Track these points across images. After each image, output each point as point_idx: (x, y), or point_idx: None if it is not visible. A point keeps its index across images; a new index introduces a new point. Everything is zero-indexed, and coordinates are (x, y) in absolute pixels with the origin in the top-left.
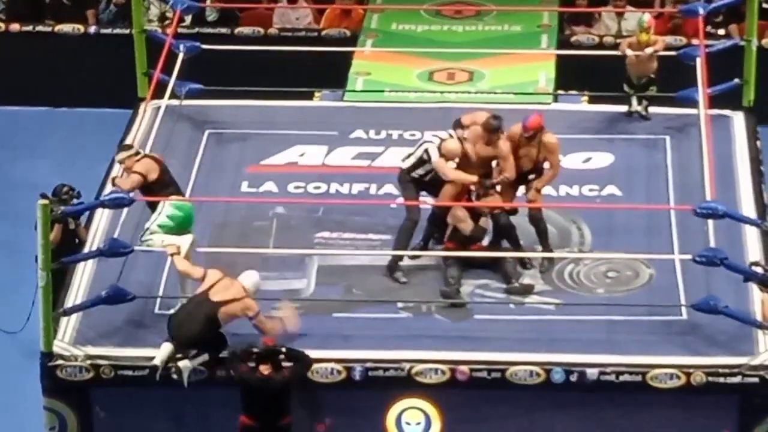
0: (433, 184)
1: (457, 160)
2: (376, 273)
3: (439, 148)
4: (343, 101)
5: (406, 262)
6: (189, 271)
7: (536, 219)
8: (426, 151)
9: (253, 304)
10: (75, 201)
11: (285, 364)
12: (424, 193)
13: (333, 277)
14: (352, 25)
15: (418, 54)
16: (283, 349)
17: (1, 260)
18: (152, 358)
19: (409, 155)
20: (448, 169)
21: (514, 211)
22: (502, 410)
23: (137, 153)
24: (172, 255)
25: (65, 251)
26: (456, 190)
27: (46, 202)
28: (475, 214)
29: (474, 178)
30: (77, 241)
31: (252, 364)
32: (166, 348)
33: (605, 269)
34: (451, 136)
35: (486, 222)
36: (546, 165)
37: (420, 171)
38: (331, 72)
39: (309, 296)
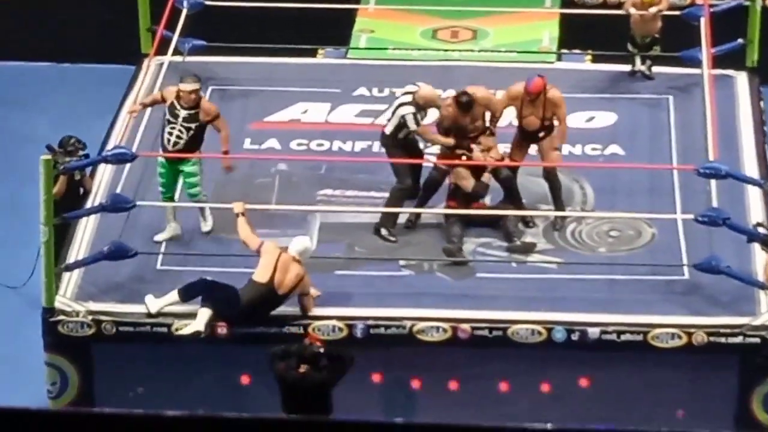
0: (411, 147)
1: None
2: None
3: (416, 102)
4: (346, 58)
5: (403, 219)
6: (247, 239)
7: (551, 176)
8: (403, 117)
9: (309, 283)
10: (81, 153)
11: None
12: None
13: (335, 235)
14: None
15: (421, 12)
16: (324, 351)
17: (5, 215)
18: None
19: (389, 120)
20: (429, 135)
21: (515, 170)
22: (503, 368)
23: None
24: (237, 215)
25: (71, 202)
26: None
27: (48, 156)
28: (476, 170)
29: (451, 141)
30: (82, 191)
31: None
32: (206, 313)
33: (607, 228)
34: (417, 85)
35: (488, 178)
36: (555, 122)
37: (401, 135)
38: (335, 29)
39: (311, 254)
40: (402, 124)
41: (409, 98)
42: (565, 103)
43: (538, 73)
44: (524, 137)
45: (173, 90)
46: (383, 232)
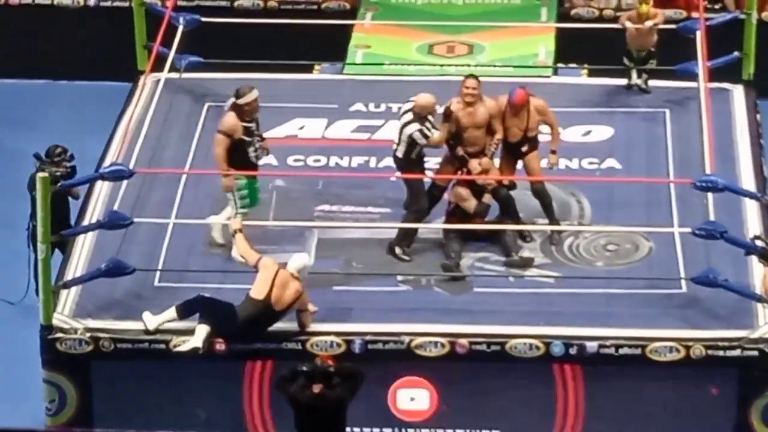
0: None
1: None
2: (376, 246)
3: (417, 114)
4: (342, 74)
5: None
6: (246, 255)
7: (540, 192)
8: (410, 137)
9: (307, 299)
10: (67, 165)
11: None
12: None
13: (333, 251)
14: None
15: (418, 27)
16: (334, 368)
17: (1, 232)
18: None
19: (398, 144)
20: (437, 141)
21: (512, 186)
22: (501, 383)
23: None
24: (234, 232)
25: (59, 208)
26: (454, 167)
27: (46, 175)
28: (477, 191)
29: (442, 137)
30: (70, 197)
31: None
32: (203, 329)
33: (605, 242)
34: (412, 99)
35: (489, 199)
36: (534, 134)
37: (414, 154)
38: (331, 45)
39: (309, 269)
40: (412, 143)
41: (410, 116)
42: (550, 109)
43: (519, 85)
44: (508, 150)
45: (232, 115)
46: (397, 251)
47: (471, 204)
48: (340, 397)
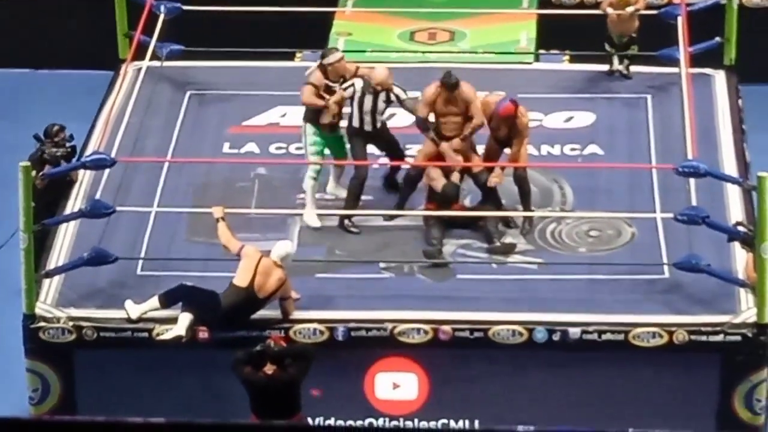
0: (378, 138)
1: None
2: (358, 233)
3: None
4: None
5: (381, 222)
6: (228, 243)
7: (521, 179)
8: (352, 85)
9: (289, 286)
10: (68, 145)
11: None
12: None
13: (315, 238)
14: None
15: (399, 14)
16: (287, 348)
17: None
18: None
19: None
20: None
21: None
22: (485, 370)
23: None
24: (218, 220)
25: (57, 192)
26: (429, 150)
27: (26, 164)
28: (447, 172)
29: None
30: (68, 179)
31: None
32: (186, 317)
33: (587, 228)
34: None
35: (457, 178)
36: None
37: (355, 121)
38: (313, 32)
39: (292, 257)
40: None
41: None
42: (528, 130)
43: (510, 98)
44: (496, 141)
45: (318, 71)
46: (346, 223)
47: (439, 184)
48: (292, 377)
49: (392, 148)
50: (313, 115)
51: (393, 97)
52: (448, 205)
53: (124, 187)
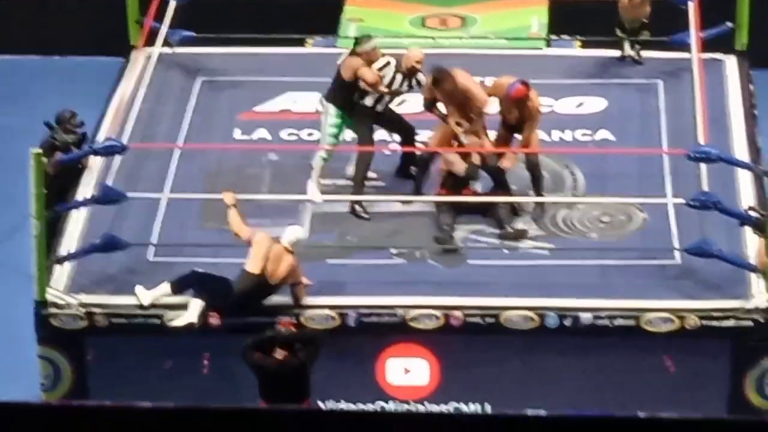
0: (386, 118)
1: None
2: (370, 219)
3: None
4: (335, 48)
5: (392, 208)
6: (238, 230)
7: (533, 165)
8: (388, 64)
9: (301, 272)
10: (79, 132)
11: (298, 346)
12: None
13: (327, 224)
14: None
15: (410, 0)
16: (297, 334)
17: None
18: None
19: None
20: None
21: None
22: (496, 355)
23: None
24: (229, 206)
25: (69, 178)
26: (443, 133)
27: (39, 151)
28: (464, 154)
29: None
30: (80, 166)
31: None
32: (198, 304)
33: (598, 214)
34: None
35: (477, 159)
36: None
37: (368, 101)
38: (324, 18)
39: (304, 243)
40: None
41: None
42: (539, 115)
43: (522, 80)
44: (507, 127)
45: (358, 61)
46: (357, 209)
47: (461, 166)
48: (302, 362)
49: (401, 126)
50: (341, 97)
51: (414, 83)
52: (460, 191)
53: (135, 173)
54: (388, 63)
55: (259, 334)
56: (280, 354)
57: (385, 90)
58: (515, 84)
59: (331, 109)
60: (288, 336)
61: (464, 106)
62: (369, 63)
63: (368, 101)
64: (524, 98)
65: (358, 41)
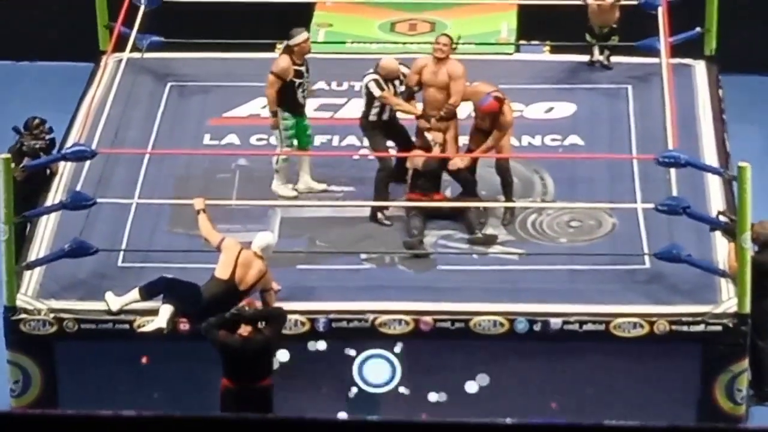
0: (394, 129)
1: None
2: (340, 224)
3: (378, 73)
4: None
5: (362, 213)
6: (208, 236)
7: (503, 170)
8: (366, 87)
9: (271, 278)
10: (47, 137)
11: (261, 324)
12: (391, 144)
13: (296, 229)
14: None
15: (379, 5)
16: (260, 311)
17: None
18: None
19: (364, 108)
20: (393, 99)
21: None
22: (465, 360)
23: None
24: (198, 212)
25: (38, 184)
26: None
27: (7, 156)
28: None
29: (417, 110)
30: (49, 171)
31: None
32: (168, 309)
33: (568, 219)
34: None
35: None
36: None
37: (374, 113)
38: (293, 24)
39: (273, 248)
40: (370, 97)
41: (373, 76)
42: (511, 128)
43: (495, 95)
44: (480, 131)
45: (285, 58)
46: (379, 216)
47: (419, 160)
48: (267, 338)
49: (405, 139)
50: (284, 99)
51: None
52: (430, 195)
53: (105, 178)
54: (372, 80)
55: (220, 314)
56: (245, 330)
57: (411, 111)
58: (488, 98)
59: (279, 113)
60: (252, 314)
61: (445, 94)
62: (300, 55)
63: (373, 115)
64: (495, 113)
65: (290, 34)
